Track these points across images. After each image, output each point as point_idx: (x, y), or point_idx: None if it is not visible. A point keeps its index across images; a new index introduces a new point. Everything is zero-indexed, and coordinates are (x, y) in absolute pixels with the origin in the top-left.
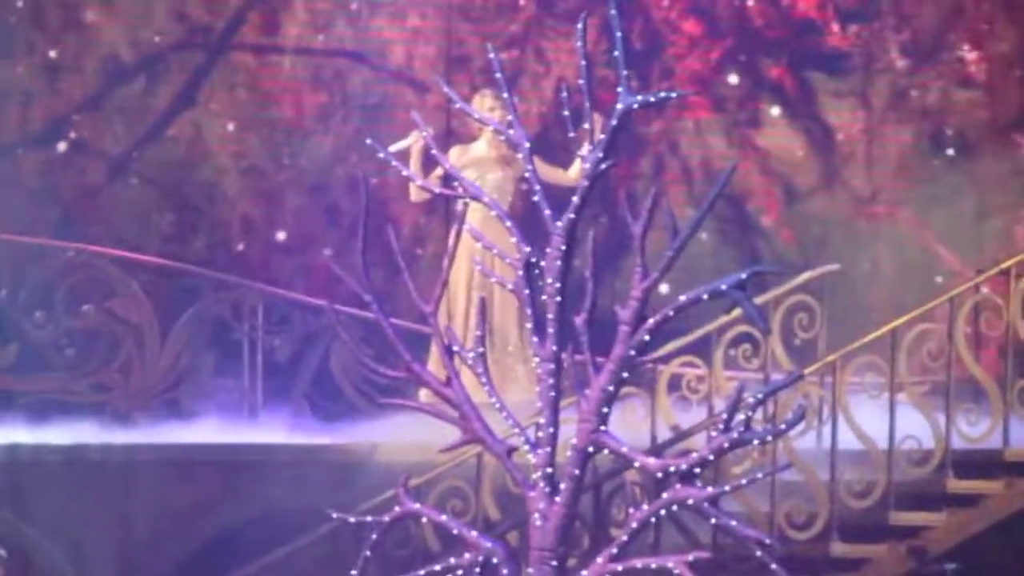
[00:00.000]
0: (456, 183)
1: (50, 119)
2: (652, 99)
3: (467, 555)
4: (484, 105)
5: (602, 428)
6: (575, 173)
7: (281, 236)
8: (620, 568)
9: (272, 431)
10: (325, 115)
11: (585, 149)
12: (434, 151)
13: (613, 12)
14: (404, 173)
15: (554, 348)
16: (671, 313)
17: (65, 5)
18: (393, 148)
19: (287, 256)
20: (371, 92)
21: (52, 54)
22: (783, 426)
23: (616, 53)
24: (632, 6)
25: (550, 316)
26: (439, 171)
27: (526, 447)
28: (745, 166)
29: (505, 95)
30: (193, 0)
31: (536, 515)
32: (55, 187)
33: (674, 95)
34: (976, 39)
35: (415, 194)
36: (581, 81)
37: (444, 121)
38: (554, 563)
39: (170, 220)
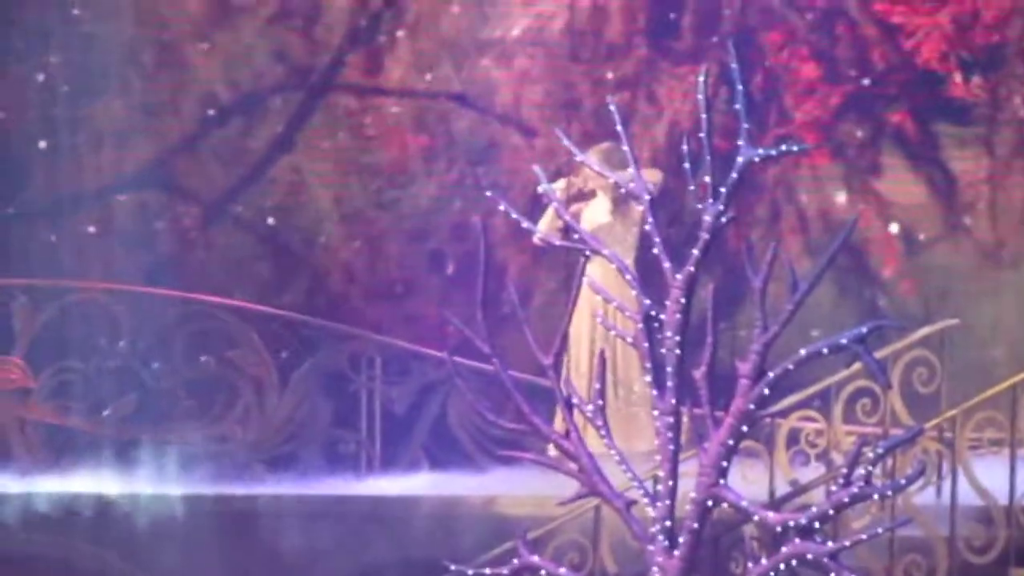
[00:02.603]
0: (576, 235)
1: (145, 161)
2: (774, 152)
3: None
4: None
5: (721, 481)
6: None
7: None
8: None
9: (390, 483)
10: (429, 159)
11: None
12: (555, 204)
13: (734, 65)
14: (524, 225)
15: (673, 401)
16: (791, 367)
17: (162, 43)
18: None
19: (389, 304)
20: (477, 135)
21: (148, 94)
22: (903, 481)
23: (737, 105)
24: (750, 50)
25: (669, 369)
26: (559, 223)
27: (645, 500)
28: (865, 215)
29: (625, 147)
30: (293, 39)
31: (655, 568)
32: (150, 232)
33: (796, 149)
34: None
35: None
36: (702, 134)
37: (553, 166)
38: None
39: (268, 266)
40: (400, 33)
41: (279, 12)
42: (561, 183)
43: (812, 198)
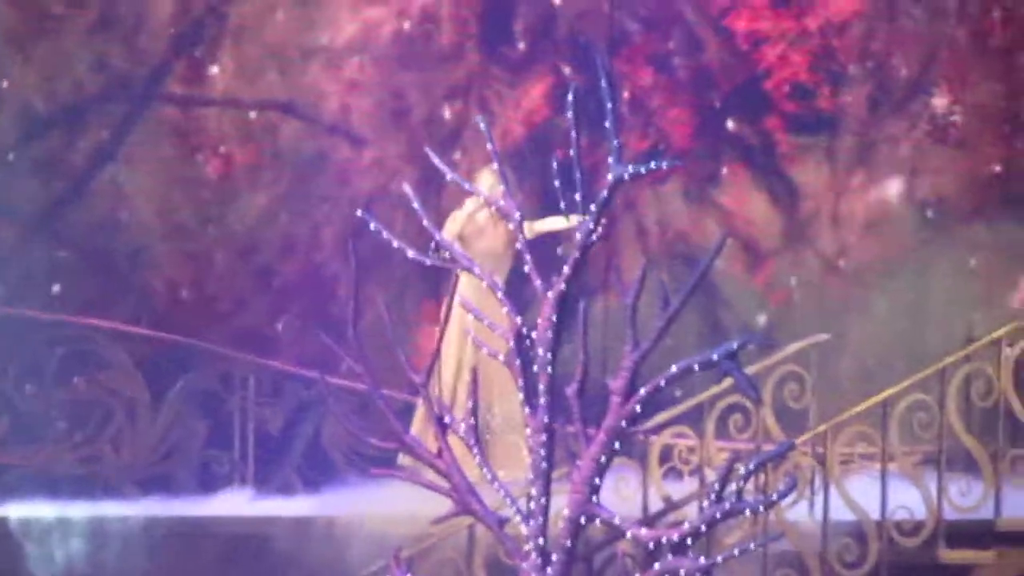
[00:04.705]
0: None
1: None
2: (643, 170)
3: None
4: (484, 180)
5: (594, 499)
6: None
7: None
8: None
9: (264, 503)
10: (255, 171)
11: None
12: (425, 222)
13: (604, 84)
14: (395, 244)
15: (545, 419)
16: (662, 383)
17: None
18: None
19: (218, 321)
20: (304, 146)
21: None
22: (775, 496)
23: (606, 122)
24: (584, 60)
25: (541, 387)
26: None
27: (518, 518)
28: (704, 225)
29: (495, 165)
30: (114, 48)
31: None
32: None
33: (665, 164)
34: (950, 90)
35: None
36: (572, 151)
37: (382, 180)
38: None
39: (91, 284)
40: (224, 41)
41: (99, 21)
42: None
43: (650, 209)
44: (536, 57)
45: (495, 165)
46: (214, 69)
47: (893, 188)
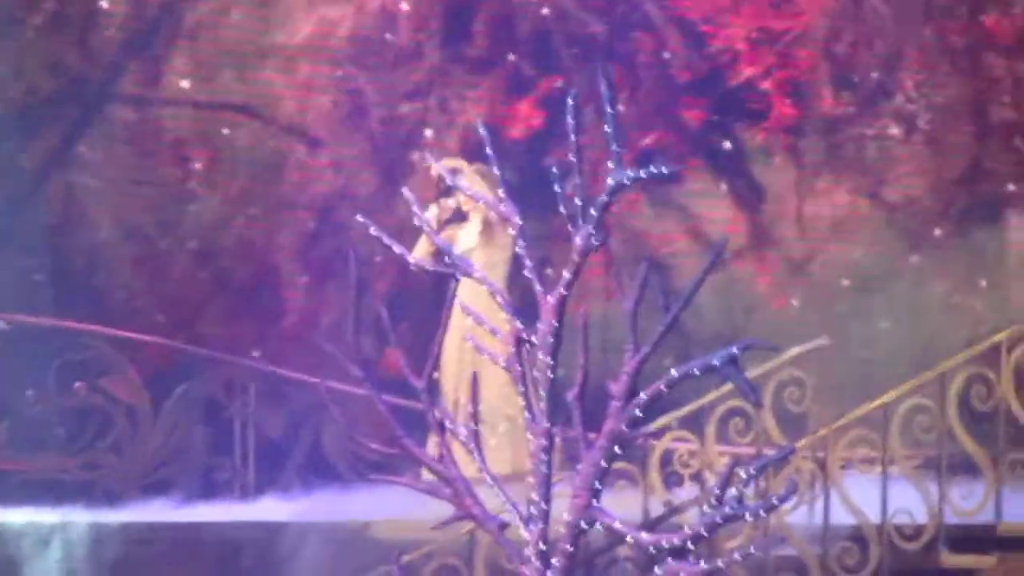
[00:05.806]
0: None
1: None
2: (643, 175)
3: None
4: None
5: (595, 503)
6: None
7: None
8: None
9: (264, 509)
10: (211, 173)
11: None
12: (426, 229)
13: (604, 89)
14: (396, 250)
15: (546, 424)
16: (663, 388)
17: None
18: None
19: (174, 329)
20: (260, 148)
21: None
22: (776, 500)
23: (607, 128)
24: (547, 56)
25: (542, 391)
26: (432, 248)
27: (519, 523)
28: (667, 226)
29: (496, 170)
30: (67, 49)
31: None
32: None
33: (666, 170)
34: (917, 88)
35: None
36: (571, 156)
37: (340, 182)
38: None
39: (47, 288)
40: (179, 41)
41: (51, 21)
42: (434, 209)
43: (612, 209)
44: (495, 57)
45: (478, 165)
46: (169, 70)
47: (864, 190)
